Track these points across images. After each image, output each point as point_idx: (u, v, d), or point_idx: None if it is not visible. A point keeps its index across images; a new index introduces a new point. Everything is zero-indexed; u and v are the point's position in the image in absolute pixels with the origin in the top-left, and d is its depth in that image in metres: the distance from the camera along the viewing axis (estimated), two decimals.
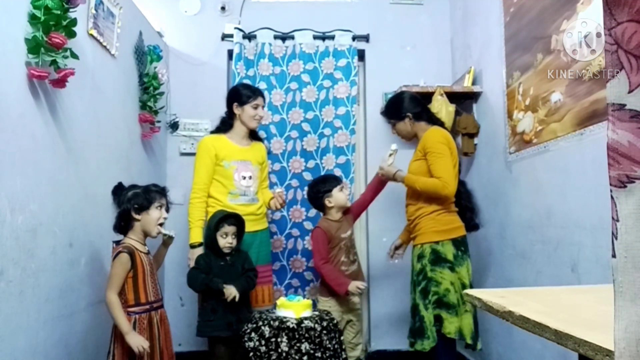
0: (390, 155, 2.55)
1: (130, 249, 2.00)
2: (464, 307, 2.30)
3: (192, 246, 2.49)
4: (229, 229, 2.39)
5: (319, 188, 2.62)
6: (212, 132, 2.75)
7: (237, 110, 2.65)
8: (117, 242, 2.07)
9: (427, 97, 2.84)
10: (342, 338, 2.29)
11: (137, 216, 2.05)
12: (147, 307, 2.03)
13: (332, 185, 2.60)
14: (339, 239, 2.56)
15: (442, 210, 2.38)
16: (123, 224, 2.07)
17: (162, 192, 2.14)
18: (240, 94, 2.66)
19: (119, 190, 2.11)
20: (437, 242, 2.34)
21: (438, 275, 2.30)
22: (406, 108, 2.51)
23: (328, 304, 2.55)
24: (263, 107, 2.70)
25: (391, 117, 2.60)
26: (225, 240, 2.38)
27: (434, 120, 2.53)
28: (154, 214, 2.08)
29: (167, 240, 2.27)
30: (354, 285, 2.46)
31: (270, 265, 2.80)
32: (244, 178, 2.61)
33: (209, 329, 2.33)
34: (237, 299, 2.28)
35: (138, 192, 2.08)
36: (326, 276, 2.52)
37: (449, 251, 2.33)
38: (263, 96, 2.73)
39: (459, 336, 2.30)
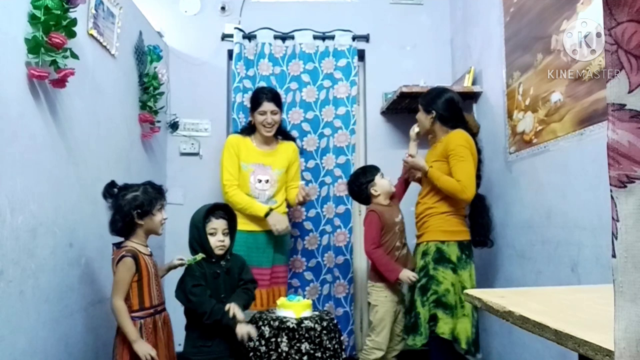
0: (417, 132, 2.59)
1: (134, 253, 1.92)
2: (462, 310, 2.29)
3: (266, 215, 2.51)
4: (218, 223, 2.08)
5: (361, 180, 2.56)
6: (237, 132, 2.81)
7: (251, 117, 2.71)
8: (118, 245, 1.98)
9: None
10: (342, 338, 2.29)
11: (140, 222, 1.97)
12: (152, 311, 1.97)
13: (373, 174, 2.56)
14: (393, 224, 2.50)
15: (451, 213, 2.38)
16: (124, 227, 1.96)
17: (160, 192, 2.05)
18: (251, 100, 2.71)
19: (112, 189, 1.97)
20: (442, 242, 2.34)
21: (440, 274, 2.30)
22: (437, 106, 2.46)
23: (383, 293, 2.47)
24: (274, 112, 2.66)
25: (420, 103, 2.55)
26: (216, 238, 2.07)
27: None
28: (157, 217, 2.01)
29: (179, 265, 2.16)
30: (406, 275, 2.38)
31: (287, 266, 2.81)
32: (260, 181, 2.63)
33: (204, 356, 2.01)
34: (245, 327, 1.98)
35: (137, 194, 1.96)
36: (377, 262, 2.45)
37: (453, 252, 2.32)
38: (273, 100, 2.67)
39: (453, 339, 2.28)
